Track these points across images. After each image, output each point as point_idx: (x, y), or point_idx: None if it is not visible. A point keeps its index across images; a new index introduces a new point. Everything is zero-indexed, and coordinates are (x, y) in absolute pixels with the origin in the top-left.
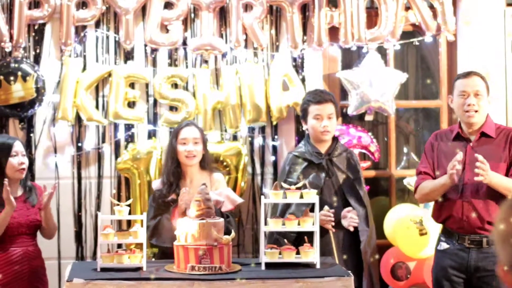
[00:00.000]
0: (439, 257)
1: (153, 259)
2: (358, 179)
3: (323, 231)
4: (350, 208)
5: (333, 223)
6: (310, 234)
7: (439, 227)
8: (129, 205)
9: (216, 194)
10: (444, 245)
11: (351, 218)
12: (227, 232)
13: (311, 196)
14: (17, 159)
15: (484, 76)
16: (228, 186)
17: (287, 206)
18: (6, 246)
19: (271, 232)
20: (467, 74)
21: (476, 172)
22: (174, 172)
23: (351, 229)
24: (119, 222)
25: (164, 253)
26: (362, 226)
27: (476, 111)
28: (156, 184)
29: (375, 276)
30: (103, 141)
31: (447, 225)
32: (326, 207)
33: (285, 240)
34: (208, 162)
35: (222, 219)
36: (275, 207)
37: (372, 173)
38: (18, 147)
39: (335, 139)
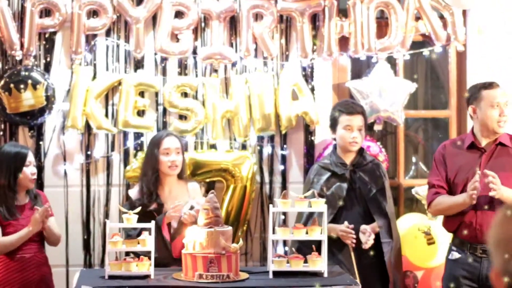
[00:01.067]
0: (450, 267)
1: None
2: (382, 190)
3: (343, 245)
4: (367, 226)
5: (354, 239)
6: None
7: (449, 236)
8: (137, 213)
9: (196, 203)
10: (455, 255)
11: (367, 238)
12: None
13: (319, 205)
14: (30, 169)
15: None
16: (236, 195)
17: (311, 214)
18: (15, 253)
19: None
20: (492, 85)
21: (490, 187)
22: (154, 181)
23: (366, 246)
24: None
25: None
26: (385, 238)
27: (505, 122)
28: (134, 193)
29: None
30: (112, 150)
31: (459, 234)
32: (346, 223)
33: (313, 247)
34: (185, 172)
35: (230, 228)
36: (300, 215)
37: None
38: (31, 157)
39: (361, 150)
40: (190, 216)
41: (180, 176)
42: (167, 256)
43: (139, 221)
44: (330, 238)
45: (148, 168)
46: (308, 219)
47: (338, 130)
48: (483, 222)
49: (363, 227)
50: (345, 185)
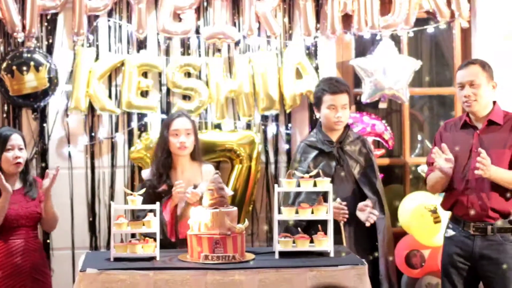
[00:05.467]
0: (446, 244)
1: None
2: (371, 166)
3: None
4: (367, 202)
5: (346, 216)
6: (323, 223)
7: (448, 214)
8: (142, 195)
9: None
10: (450, 232)
11: (371, 213)
12: None
13: (325, 184)
14: (12, 153)
15: (485, 63)
16: (242, 175)
17: (298, 194)
18: (6, 237)
19: (282, 221)
20: (465, 65)
21: (476, 166)
22: (165, 163)
23: (368, 224)
24: (133, 211)
25: None
26: (378, 213)
27: (474, 100)
28: (146, 174)
29: (391, 265)
30: (116, 131)
31: (454, 212)
32: (338, 200)
33: (299, 228)
34: (199, 154)
35: (235, 208)
36: (287, 196)
37: (386, 161)
38: (16, 140)
39: (347, 127)
40: (193, 194)
41: (193, 157)
42: (164, 238)
43: (148, 202)
44: None
45: (159, 149)
46: (295, 199)
47: (322, 109)
48: (474, 201)
49: (362, 204)
50: (333, 163)
